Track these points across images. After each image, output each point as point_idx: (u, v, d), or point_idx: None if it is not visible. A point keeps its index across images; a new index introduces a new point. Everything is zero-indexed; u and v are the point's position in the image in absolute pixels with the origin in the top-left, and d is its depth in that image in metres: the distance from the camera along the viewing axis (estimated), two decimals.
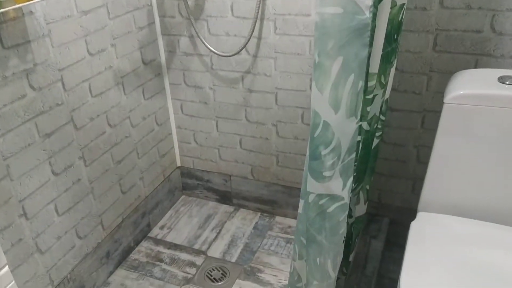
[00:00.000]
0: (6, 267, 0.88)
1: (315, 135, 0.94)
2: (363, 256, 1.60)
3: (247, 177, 1.94)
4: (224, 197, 2.04)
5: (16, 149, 1.23)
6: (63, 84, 1.35)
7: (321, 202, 1.01)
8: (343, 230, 1.04)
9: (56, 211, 1.41)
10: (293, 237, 1.85)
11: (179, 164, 2.05)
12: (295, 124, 1.72)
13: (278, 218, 1.96)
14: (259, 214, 2.00)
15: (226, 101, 1.79)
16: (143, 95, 1.73)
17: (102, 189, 1.59)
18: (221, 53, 1.63)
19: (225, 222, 1.97)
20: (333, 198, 1.00)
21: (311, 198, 1.01)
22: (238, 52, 1.60)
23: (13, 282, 0.90)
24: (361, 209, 1.46)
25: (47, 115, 1.31)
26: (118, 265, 1.75)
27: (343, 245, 1.08)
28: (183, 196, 2.14)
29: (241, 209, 2.03)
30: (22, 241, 1.31)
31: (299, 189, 1.82)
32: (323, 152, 0.94)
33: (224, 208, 2.05)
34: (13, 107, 1.20)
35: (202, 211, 2.04)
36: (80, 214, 1.51)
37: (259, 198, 1.96)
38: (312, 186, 1.00)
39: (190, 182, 2.08)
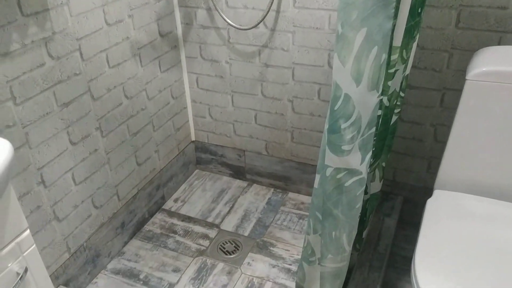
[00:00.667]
0: (28, 231, 0.90)
1: (336, 108, 0.93)
2: (376, 233, 1.60)
3: (261, 153, 1.94)
4: (238, 172, 2.05)
5: (35, 118, 1.24)
6: (81, 53, 1.35)
7: (338, 176, 1.00)
8: (359, 204, 1.04)
9: (73, 180, 1.42)
10: (306, 213, 1.86)
11: (193, 138, 2.06)
12: (311, 100, 1.70)
13: (291, 195, 1.97)
14: (272, 190, 2.01)
15: (242, 76, 1.77)
16: (160, 67, 1.72)
17: (118, 160, 1.61)
18: (238, 26, 1.61)
19: (238, 197, 1.98)
20: (351, 172, 0.99)
21: (328, 172, 1.01)
22: (255, 26, 1.58)
23: (34, 246, 0.92)
24: (376, 186, 1.46)
25: (65, 84, 1.32)
26: (132, 235, 1.77)
27: (358, 219, 1.08)
28: (197, 170, 2.15)
29: (255, 185, 2.04)
30: (40, 208, 1.33)
31: (313, 166, 1.82)
32: (342, 126, 0.93)
33: (238, 183, 2.06)
34: (32, 75, 1.21)
35: (216, 186, 2.05)
36: (96, 184, 1.52)
37: (273, 174, 1.97)
38: (330, 160, 1.00)
39: (204, 157, 2.09)
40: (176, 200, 1.98)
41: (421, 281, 1.02)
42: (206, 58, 1.80)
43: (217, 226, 1.83)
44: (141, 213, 1.79)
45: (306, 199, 1.93)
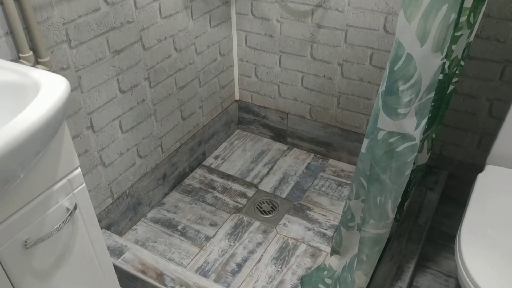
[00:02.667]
0: (79, 169, 0.92)
1: (395, 68, 0.89)
2: (417, 206, 1.56)
3: (304, 117, 1.91)
4: (279, 135, 2.04)
5: (87, 62, 1.26)
6: (134, 1, 1.34)
7: (391, 140, 0.97)
8: (408, 172, 1.01)
9: (120, 128, 1.45)
10: (345, 181, 1.84)
11: (237, 98, 2.05)
12: (362, 65, 1.65)
13: (331, 161, 1.95)
14: (312, 155, 1.99)
15: (292, 36, 1.73)
16: (210, 22, 1.70)
17: (164, 113, 1.62)
18: None
19: (278, 159, 1.97)
20: (404, 137, 0.96)
21: (380, 135, 0.98)
22: None
23: (84, 184, 0.95)
24: (423, 158, 1.41)
25: (118, 31, 1.32)
26: (173, 187, 1.81)
27: (404, 187, 1.05)
28: (238, 130, 2.15)
29: (295, 149, 2.02)
30: (88, 153, 1.36)
31: (357, 133, 1.79)
32: (401, 87, 0.89)
33: (278, 145, 2.05)
34: (87, 20, 1.21)
35: (256, 147, 2.05)
36: (142, 134, 1.55)
37: (315, 139, 1.94)
38: (384, 123, 0.96)
39: (246, 117, 2.08)
40: (216, 158, 1.99)
41: (466, 254, 0.99)
42: (256, 16, 1.77)
43: (255, 186, 1.83)
44: (182, 167, 1.82)
45: (346, 167, 1.91)
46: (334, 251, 1.43)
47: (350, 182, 1.82)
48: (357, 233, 1.29)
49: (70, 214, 0.90)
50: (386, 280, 1.32)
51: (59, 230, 0.88)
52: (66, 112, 0.80)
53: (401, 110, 0.92)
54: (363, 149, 1.14)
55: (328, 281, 1.37)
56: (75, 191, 0.92)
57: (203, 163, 1.96)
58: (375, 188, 1.05)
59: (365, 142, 1.12)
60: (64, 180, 0.89)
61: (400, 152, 0.98)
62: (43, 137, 0.75)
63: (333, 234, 1.59)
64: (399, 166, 0.99)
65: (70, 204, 0.91)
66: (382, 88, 0.96)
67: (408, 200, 1.52)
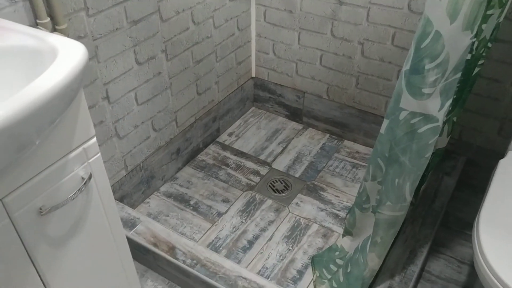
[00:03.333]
0: (94, 139, 0.92)
1: (422, 46, 0.85)
2: (433, 190, 1.54)
3: (321, 96, 1.88)
4: (294, 114, 2.01)
5: (105, 32, 1.24)
6: None
7: (413, 121, 0.94)
8: (429, 154, 0.99)
9: (136, 100, 1.44)
10: (360, 163, 1.81)
11: (253, 75, 2.02)
12: (383, 45, 1.61)
13: (346, 142, 1.92)
14: (327, 135, 1.96)
15: (313, 12, 1.69)
16: None
17: (180, 87, 1.60)
18: None
19: (292, 138, 1.95)
20: (427, 118, 0.93)
21: (402, 115, 0.95)
22: None
23: (99, 154, 0.94)
24: (442, 142, 1.38)
25: (136, 1, 1.30)
26: (186, 163, 1.80)
27: (424, 170, 1.03)
28: (253, 108, 2.13)
29: (310, 128, 2.00)
30: (103, 123, 1.36)
31: (374, 115, 1.75)
32: (427, 66, 0.86)
33: (293, 125, 2.03)
34: None
35: (271, 125, 2.03)
36: (157, 107, 1.54)
37: (330, 119, 1.91)
38: (407, 103, 0.93)
39: (262, 95, 2.06)
40: (230, 134, 1.98)
41: (484, 242, 0.97)
42: None
43: (269, 164, 1.82)
44: (196, 142, 1.81)
45: (362, 148, 1.88)
46: (346, 232, 1.42)
47: (365, 164, 1.80)
48: (371, 215, 1.27)
49: (85, 183, 0.89)
50: (398, 263, 1.31)
51: (73, 199, 0.87)
52: (83, 80, 0.79)
53: (426, 90, 0.89)
54: (382, 130, 1.12)
55: (339, 262, 1.37)
56: (90, 161, 0.91)
57: (217, 139, 1.95)
58: (394, 169, 1.03)
59: (385, 122, 1.10)
60: (80, 149, 0.88)
61: (421, 134, 0.95)
62: (60, 104, 0.73)
63: (346, 215, 1.57)
64: (420, 148, 0.97)
65: (85, 173, 0.90)
66: (406, 67, 0.93)
67: (425, 184, 1.50)
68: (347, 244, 1.40)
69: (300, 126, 2.02)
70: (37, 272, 0.87)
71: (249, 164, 1.82)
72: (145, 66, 1.42)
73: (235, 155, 1.87)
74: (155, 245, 1.35)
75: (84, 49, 0.79)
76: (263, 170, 1.79)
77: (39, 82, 0.70)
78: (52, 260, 0.89)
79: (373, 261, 1.18)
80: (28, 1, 1.03)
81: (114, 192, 1.48)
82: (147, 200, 1.65)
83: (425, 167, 1.02)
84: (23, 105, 0.66)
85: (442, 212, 1.49)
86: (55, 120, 0.76)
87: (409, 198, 1.06)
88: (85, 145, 0.89)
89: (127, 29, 1.30)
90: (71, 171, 0.87)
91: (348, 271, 1.28)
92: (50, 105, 0.70)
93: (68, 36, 1.11)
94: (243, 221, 1.58)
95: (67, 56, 0.76)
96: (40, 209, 0.83)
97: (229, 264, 1.29)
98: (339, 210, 1.61)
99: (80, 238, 0.95)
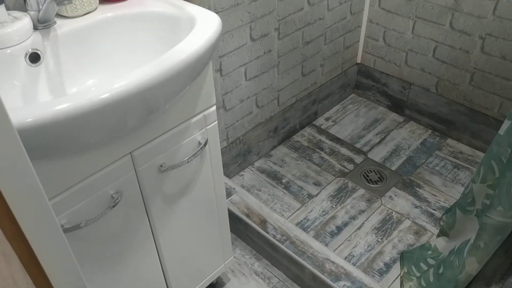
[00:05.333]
0: (214, 107, 0.96)
1: None
2: None
3: (429, 90, 1.80)
4: (397, 105, 1.95)
5: (227, 5, 1.28)
6: None
7: None
8: None
9: (245, 75, 1.48)
10: (463, 164, 1.72)
11: (359, 61, 1.98)
12: (508, 42, 1.49)
13: (450, 141, 1.83)
14: (430, 131, 1.88)
15: (432, 1, 1.61)
16: None
17: (286, 66, 1.62)
18: None
19: (392, 130, 1.90)
20: None
21: None
22: None
23: (216, 122, 0.99)
24: None
25: None
26: (281, 142, 1.83)
27: None
28: (353, 95, 2.10)
29: (412, 122, 1.93)
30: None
31: (485, 115, 1.65)
32: None
33: (394, 116, 1.97)
34: None
35: (370, 114, 1.99)
36: (263, 84, 1.57)
37: (436, 114, 1.83)
38: None
39: (365, 82, 2.02)
40: (327, 119, 1.97)
41: None
42: None
43: (364, 153, 1.79)
44: (293, 122, 1.83)
45: (466, 149, 1.78)
46: (442, 233, 1.37)
47: (467, 165, 1.71)
48: (474, 218, 1.21)
49: (201, 148, 0.95)
50: (497, 272, 1.25)
51: (189, 162, 0.93)
52: (215, 50, 0.83)
53: None
54: (501, 131, 1.05)
55: (431, 261, 1.32)
56: (208, 127, 0.96)
57: (314, 122, 1.95)
58: None
59: (506, 123, 1.03)
60: (201, 115, 0.93)
61: None
62: (194, 71, 0.78)
63: (442, 215, 1.51)
64: None
65: (202, 139, 0.96)
66: None
67: None
68: (441, 244, 1.35)
69: (401, 119, 1.95)
70: (149, 222, 0.95)
71: (344, 151, 1.81)
72: (258, 43, 1.45)
73: (330, 140, 1.86)
74: (247, 216, 1.40)
75: (218, 20, 0.82)
76: (358, 159, 1.77)
77: (179, 48, 0.75)
78: (164, 214, 0.96)
79: (472, 266, 1.13)
80: None
81: None
82: (242, 172, 1.71)
83: None
84: (165, 68, 0.71)
85: None
86: (187, 85, 0.81)
87: None
88: (205, 112, 0.94)
89: (246, 4, 1.33)
90: (191, 135, 0.93)
91: (440, 272, 1.23)
92: (188, 70, 0.74)
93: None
94: (333, 206, 1.58)
95: (203, 25, 0.80)
96: (161, 166, 0.89)
97: (318, 246, 1.31)
98: (434, 210, 1.55)
99: (189, 198, 1.01)
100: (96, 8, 0.89)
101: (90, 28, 0.86)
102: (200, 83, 0.88)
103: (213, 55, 0.84)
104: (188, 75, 0.75)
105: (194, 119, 0.92)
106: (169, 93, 0.77)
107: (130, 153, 0.83)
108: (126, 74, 0.67)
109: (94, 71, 0.87)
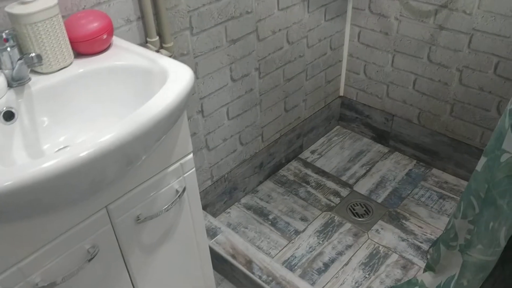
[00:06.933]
0: (191, 155, 0.97)
1: None
2: None
3: (412, 121, 1.82)
4: (381, 137, 1.97)
5: (206, 49, 1.30)
6: None
7: None
8: None
9: (227, 114, 1.49)
10: (448, 194, 1.73)
11: (341, 94, 2.01)
12: (485, 74, 1.52)
13: (434, 171, 1.84)
14: (414, 161, 1.89)
15: (410, 35, 1.65)
16: (325, 15, 1.67)
17: (269, 103, 1.64)
18: None
19: (377, 161, 1.91)
20: None
21: (504, 157, 0.90)
22: None
23: (194, 169, 0.99)
24: None
25: (237, 21, 1.35)
26: (267, 177, 1.84)
27: None
28: (338, 127, 2.11)
29: (396, 152, 1.95)
30: (196, 136, 1.42)
31: (468, 145, 1.67)
32: None
33: (378, 147, 1.98)
34: (210, 8, 1.26)
35: (355, 146, 2.00)
36: (246, 122, 1.58)
37: (419, 145, 1.85)
38: (511, 146, 0.88)
39: (348, 114, 2.04)
40: (313, 152, 1.98)
41: None
42: (374, 12, 1.70)
43: (350, 186, 1.80)
44: (279, 157, 1.84)
45: (451, 179, 1.79)
46: (428, 268, 1.36)
47: (453, 195, 1.72)
48: (458, 253, 1.21)
49: (179, 196, 0.95)
50: None
51: (167, 210, 0.93)
52: (189, 100, 0.84)
53: None
54: (478, 167, 1.06)
55: None
56: (185, 175, 0.96)
57: (300, 155, 1.96)
58: (489, 212, 0.97)
59: (483, 160, 1.04)
60: (177, 164, 0.93)
61: None
62: (168, 123, 0.79)
63: (429, 248, 1.51)
64: None
65: (179, 187, 0.96)
66: None
67: None
68: (428, 279, 1.34)
69: (386, 149, 1.97)
70: (129, 274, 0.94)
71: (330, 184, 1.81)
72: (239, 83, 1.47)
73: (316, 173, 1.87)
74: (233, 256, 1.39)
75: (191, 73, 0.84)
76: (344, 192, 1.77)
77: (152, 103, 0.76)
78: (143, 264, 0.96)
79: None
80: (141, 21, 1.11)
81: None
82: (228, 210, 1.70)
83: None
84: (138, 125, 0.72)
85: None
86: (161, 137, 0.81)
87: (503, 243, 1.00)
88: (182, 160, 0.94)
89: (226, 47, 1.36)
90: (168, 184, 0.93)
91: None
92: (160, 124, 0.75)
93: (173, 53, 1.19)
94: (320, 242, 1.57)
95: (176, 79, 0.82)
96: (138, 217, 0.89)
97: (303, 285, 1.29)
98: (421, 242, 1.55)
99: (168, 245, 1.00)
100: (71, 63, 0.90)
101: (65, 83, 0.87)
102: (175, 133, 0.89)
103: (186, 107, 0.85)
104: (163, 127, 0.76)
105: (171, 168, 0.92)
106: (146, 145, 0.77)
107: (105, 206, 0.82)
108: (102, 128, 0.69)
109: (70, 125, 0.88)
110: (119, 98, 0.90)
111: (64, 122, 0.87)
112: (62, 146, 0.86)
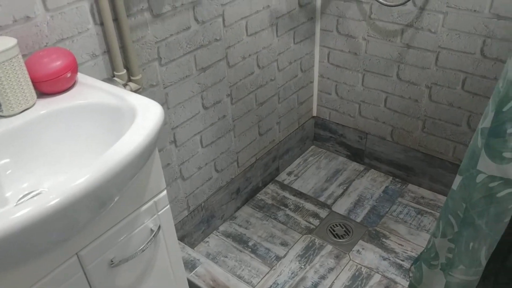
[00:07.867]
0: (165, 192, 0.94)
1: (504, 109, 0.81)
2: (505, 245, 1.44)
3: (385, 138, 1.83)
4: (356, 155, 1.97)
5: (175, 79, 1.28)
6: (223, 19, 1.35)
7: (491, 184, 0.89)
8: (508, 218, 0.93)
9: (201, 143, 1.47)
10: (425, 209, 1.74)
11: (314, 114, 2.01)
12: (453, 90, 1.55)
13: (411, 186, 1.85)
14: (390, 178, 1.90)
15: (378, 55, 1.67)
16: (293, 39, 1.68)
17: (243, 128, 1.62)
18: (384, 2, 1.50)
19: (354, 180, 1.91)
20: (508, 183, 0.88)
21: (480, 178, 0.90)
22: (404, 3, 1.45)
23: (168, 206, 0.96)
24: None
25: (206, 49, 1.34)
26: (245, 202, 1.81)
27: (502, 234, 0.96)
28: (313, 147, 2.11)
29: (372, 170, 1.95)
30: (169, 166, 1.39)
31: (441, 160, 1.69)
32: (509, 130, 0.82)
33: (354, 165, 1.99)
34: (178, 38, 1.24)
35: (331, 165, 2.00)
36: (220, 149, 1.56)
37: (394, 162, 1.86)
38: (485, 166, 0.89)
39: (323, 134, 2.04)
40: (289, 174, 1.97)
41: None
42: (342, 33, 1.72)
43: (329, 207, 1.79)
44: (255, 181, 1.82)
45: (427, 193, 1.81)
46: (412, 287, 1.35)
47: (430, 210, 1.73)
48: (440, 272, 1.20)
49: (154, 235, 0.91)
50: None
51: (143, 251, 0.89)
52: (160, 136, 0.82)
53: (507, 154, 0.84)
54: (454, 186, 1.06)
55: None
56: (159, 213, 0.93)
57: (276, 178, 1.94)
58: (468, 232, 0.97)
59: (458, 179, 1.05)
60: (151, 202, 0.90)
61: (501, 198, 0.90)
62: (139, 162, 0.76)
63: (410, 266, 1.51)
64: (499, 212, 0.91)
65: (154, 225, 0.92)
66: (484, 125, 0.89)
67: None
68: None
69: (361, 167, 1.97)
70: None
71: (308, 206, 1.80)
72: (211, 110, 1.45)
73: (294, 195, 1.85)
74: None
75: (160, 109, 0.81)
76: (323, 213, 1.76)
77: (122, 143, 0.73)
78: None
79: None
80: (107, 54, 1.08)
81: (176, 231, 1.50)
82: (207, 239, 1.67)
83: (503, 232, 0.95)
84: (110, 167, 0.69)
85: None
86: (133, 177, 0.78)
87: (484, 262, 1.00)
88: (155, 198, 0.91)
89: (196, 76, 1.34)
90: (142, 224, 0.90)
91: None
92: (132, 164, 0.72)
93: (142, 85, 1.16)
94: (302, 266, 1.55)
95: (145, 117, 0.79)
96: (111, 261, 0.85)
97: None
98: (402, 260, 1.55)
99: (145, 285, 0.96)
100: (34, 104, 0.86)
101: (27, 125, 0.83)
102: (146, 172, 0.86)
103: (156, 144, 0.82)
104: (136, 165, 0.74)
105: (144, 207, 0.89)
106: (119, 185, 0.74)
107: (76, 253, 0.78)
108: (68, 170, 0.65)
109: (34, 169, 0.84)
110: (85, 137, 0.86)
111: (27, 166, 0.83)
112: (26, 192, 0.82)
